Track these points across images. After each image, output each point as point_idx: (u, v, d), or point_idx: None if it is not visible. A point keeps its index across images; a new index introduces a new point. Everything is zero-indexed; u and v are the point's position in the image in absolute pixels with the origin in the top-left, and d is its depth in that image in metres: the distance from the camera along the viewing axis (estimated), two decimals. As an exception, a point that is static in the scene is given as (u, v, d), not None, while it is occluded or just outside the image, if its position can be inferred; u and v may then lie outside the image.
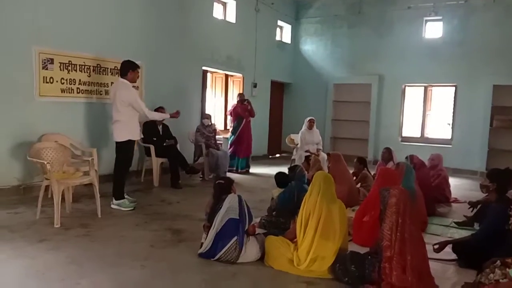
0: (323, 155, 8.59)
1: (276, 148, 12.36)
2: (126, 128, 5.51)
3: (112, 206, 5.51)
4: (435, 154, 7.40)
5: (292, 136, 10.21)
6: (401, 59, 10.90)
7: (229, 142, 8.95)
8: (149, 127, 7.13)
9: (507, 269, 3.10)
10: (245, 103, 9.09)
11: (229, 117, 9.30)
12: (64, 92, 6.27)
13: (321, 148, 9.33)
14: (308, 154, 8.13)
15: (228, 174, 7.90)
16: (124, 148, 5.57)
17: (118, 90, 5.48)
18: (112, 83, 6.72)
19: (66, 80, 6.28)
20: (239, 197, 3.98)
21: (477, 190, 6.72)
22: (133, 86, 5.83)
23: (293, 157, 9.53)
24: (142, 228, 4.76)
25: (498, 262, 3.29)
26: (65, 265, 3.61)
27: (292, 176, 5.20)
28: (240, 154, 8.95)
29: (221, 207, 3.87)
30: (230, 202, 3.89)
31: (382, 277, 3.23)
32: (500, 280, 3.03)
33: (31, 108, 5.86)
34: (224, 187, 4.10)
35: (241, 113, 8.98)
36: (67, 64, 6.27)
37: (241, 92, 9.98)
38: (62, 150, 5.27)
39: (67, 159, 5.32)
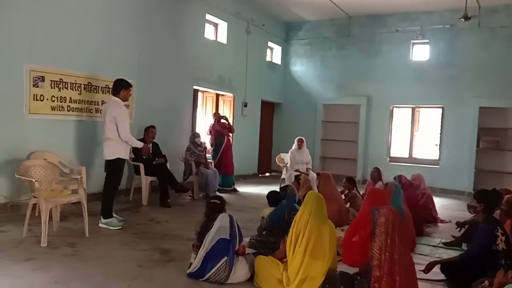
0: (313, 175, 8.62)
1: (266, 167, 12.38)
2: (116, 146, 5.52)
3: (100, 225, 5.45)
4: (416, 175, 7.55)
5: (282, 155, 10.25)
6: (389, 81, 11.10)
7: (213, 160, 8.91)
8: (139, 146, 7.12)
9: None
10: (222, 120, 9.13)
11: (208, 137, 9.30)
12: (55, 109, 6.26)
13: (311, 167, 9.37)
14: (298, 173, 8.16)
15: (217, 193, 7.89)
16: (113, 167, 5.57)
17: (109, 108, 5.54)
18: (103, 101, 6.77)
19: (57, 98, 6.28)
20: (230, 217, 3.97)
21: (465, 210, 6.74)
22: (125, 105, 5.85)
23: (283, 177, 9.56)
24: (130, 248, 4.71)
25: (486, 283, 3.32)
26: (51, 285, 3.55)
27: (284, 196, 5.22)
28: (224, 171, 8.88)
29: (212, 227, 3.85)
30: (221, 222, 3.87)
31: (372, 298, 3.23)
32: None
33: (20, 126, 5.83)
34: (218, 207, 4.09)
35: (221, 130, 9.01)
36: (58, 82, 6.27)
37: (216, 111, 10.00)
38: (51, 168, 5.23)
39: (56, 177, 5.27)
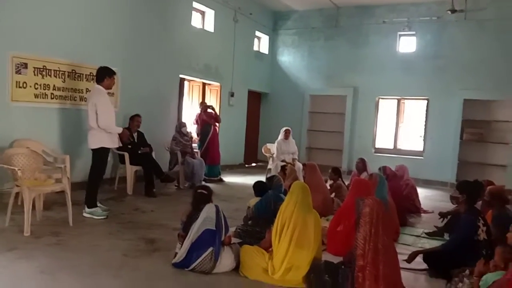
0: (299, 165, 8.66)
1: (253, 157, 12.39)
2: (99, 135, 5.46)
3: (84, 214, 5.40)
4: (399, 165, 7.70)
5: (268, 145, 10.27)
6: (375, 72, 11.14)
7: (199, 150, 8.90)
8: (124, 134, 7.04)
9: (474, 278, 3.20)
10: (209, 110, 9.11)
11: (195, 126, 9.27)
12: (38, 97, 6.15)
13: (297, 158, 9.40)
14: (284, 163, 8.18)
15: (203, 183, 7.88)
16: (97, 156, 5.52)
17: (92, 96, 5.48)
18: (87, 89, 6.69)
19: (40, 85, 6.16)
20: (217, 207, 3.95)
21: (447, 201, 6.89)
22: (109, 93, 5.78)
23: (269, 167, 9.58)
24: (115, 237, 4.68)
25: (467, 271, 3.40)
26: (36, 274, 3.52)
27: (270, 186, 5.24)
28: (210, 161, 8.87)
29: (198, 217, 3.84)
30: (207, 212, 3.86)
31: (355, 287, 3.28)
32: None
33: (3, 113, 5.71)
34: (205, 197, 4.06)
35: (208, 120, 8.98)
36: (41, 69, 6.16)
37: (202, 100, 9.94)
38: (34, 156, 5.14)
39: (39, 165, 5.19)
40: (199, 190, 4.17)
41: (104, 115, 5.39)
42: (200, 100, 9.92)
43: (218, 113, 9.48)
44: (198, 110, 9.32)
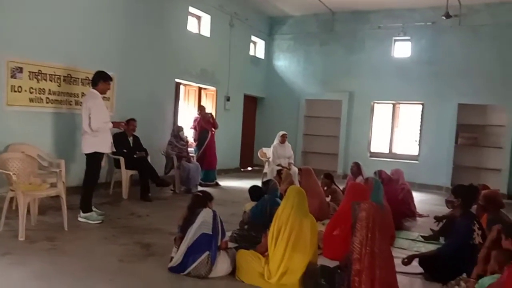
0: (295, 169, 8.66)
1: (248, 161, 12.39)
2: (93, 140, 5.44)
3: (80, 219, 5.38)
4: (394, 170, 7.68)
5: (264, 149, 10.26)
6: (370, 77, 11.19)
7: (195, 155, 8.91)
8: (119, 139, 7.00)
9: (471, 280, 3.21)
10: (208, 116, 9.13)
11: (192, 131, 9.27)
12: (33, 101, 6.14)
13: (293, 162, 9.40)
14: (280, 168, 8.18)
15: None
16: (90, 160, 5.51)
17: (87, 100, 5.49)
18: (83, 93, 6.68)
19: (35, 89, 6.15)
20: (214, 212, 3.95)
21: (443, 205, 6.92)
22: (104, 97, 5.77)
23: (264, 171, 9.56)
24: (110, 242, 4.66)
25: (464, 275, 3.41)
26: (30, 280, 3.50)
27: (266, 190, 5.23)
28: (207, 166, 8.88)
29: (194, 221, 3.84)
30: (204, 217, 3.86)
31: (352, 291, 3.28)
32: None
33: (-3, 117, 5.70)
34: (201, 200, 4.08)
35: (206, 125, 8.99)
36: (36, 73, 6.14)
37: (202, 105, 9.94)
38: (29, 160, 5.12)
39: (34, 170, 5.17)
40: (196, 193, 4.19)
41: (96, 117, 5.36)
42: (197, 105, 9.92)
43: (214, 117, 9.49)
44: (195, 114, 9.31)
